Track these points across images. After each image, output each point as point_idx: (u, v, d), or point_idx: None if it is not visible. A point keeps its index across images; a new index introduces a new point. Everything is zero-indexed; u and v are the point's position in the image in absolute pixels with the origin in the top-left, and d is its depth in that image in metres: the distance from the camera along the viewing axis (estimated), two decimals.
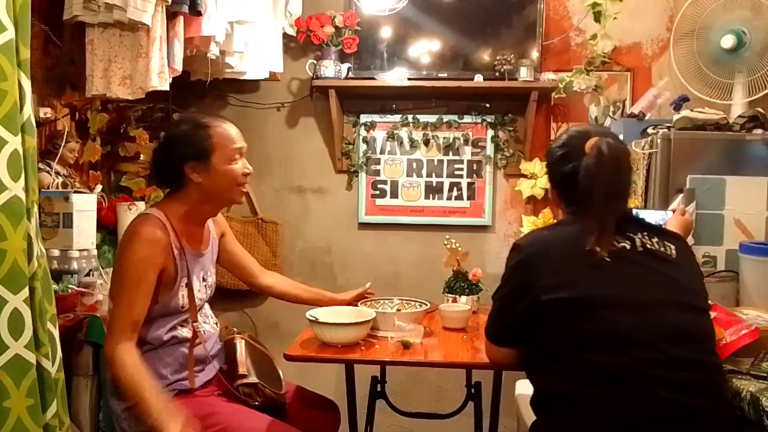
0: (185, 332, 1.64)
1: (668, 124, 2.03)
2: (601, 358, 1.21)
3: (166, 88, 2.08)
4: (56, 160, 2.37)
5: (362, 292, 2.03)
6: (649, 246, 1.31)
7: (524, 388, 2.02)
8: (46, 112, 2.33)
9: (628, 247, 1.30)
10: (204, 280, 1.71)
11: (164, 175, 1.66)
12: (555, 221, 1.63)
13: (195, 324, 1.66)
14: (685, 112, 2.01)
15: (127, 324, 1.49)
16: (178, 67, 2.12)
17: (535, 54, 2.81)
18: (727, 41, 2.18)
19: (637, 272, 1.28)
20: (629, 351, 1.21)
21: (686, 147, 1.92)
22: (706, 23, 2.26)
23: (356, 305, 1.93)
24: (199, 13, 2.09)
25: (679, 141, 1.92)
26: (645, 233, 1.33)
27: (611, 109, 2.62)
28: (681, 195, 1.88)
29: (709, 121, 1.95)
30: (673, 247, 1.33)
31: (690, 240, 1.77)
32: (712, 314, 1.51)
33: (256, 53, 2.61)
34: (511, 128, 2.98)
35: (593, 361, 1.22)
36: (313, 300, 1.98)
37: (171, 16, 2.07)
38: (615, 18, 2.67)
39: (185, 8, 2.03)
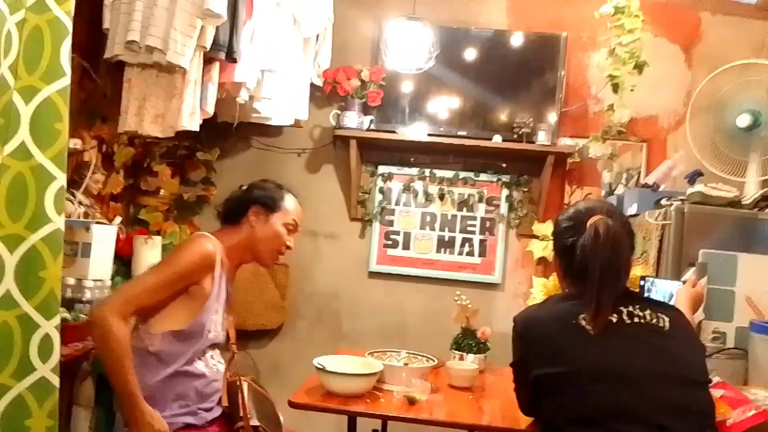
0: (201, 366, 1.66)
1: (682, 197, 2.06)
2: None
3: (196, 128, 2.14)
4: (81, 190, 2.42)
5: None
6: (638, 318, 1.32)
7: None
8: (75, 143, 2.40)
9: (614, 320, 1.31)
10: (227, 317, 1.77)
11: (232, 206, 1.81)
12: (551, 295, 1.65)
13: (233, 345, 1.76)
14: (699, 187, 2.04)
15: (135, 303, 1.54)
16: (210, 110, 2.19)
17: (553, 118, 2.88)
18: (743, 120, 2.22)
19: (624, 344, 1.28)
20: (620, 426, 1.20)
21: (699, 221, 1.94)
22: (723, 100, 2.31)
23: None
24: (235, 60, 2.17)
25: (692, 215, 1.94)
26: (637, 306, 1.34)
27: (624, 176, 2.66)
28: (693, 268, 1.88)
29: (723, 199, 1.97)
30: (666, 318, 1.33)
31: (700, 314, 1.77)
32: (720, 392, 1.50)
33: (283, 100, 2.68)
34: (525, 189, 3.02)
35: None
36: None
37: (207, 60, 2.14)
38: (632, 90, 2.73)
39: (222, 55, 2.11)
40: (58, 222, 1.23)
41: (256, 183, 1.85)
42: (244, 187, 1.86)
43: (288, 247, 1.82)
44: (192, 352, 1.63)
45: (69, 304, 2.16)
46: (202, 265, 1.62)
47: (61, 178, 1.22)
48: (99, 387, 2.16)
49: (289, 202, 1.82)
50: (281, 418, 1.79)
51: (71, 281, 2.20)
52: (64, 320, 2.02)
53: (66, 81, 1.22)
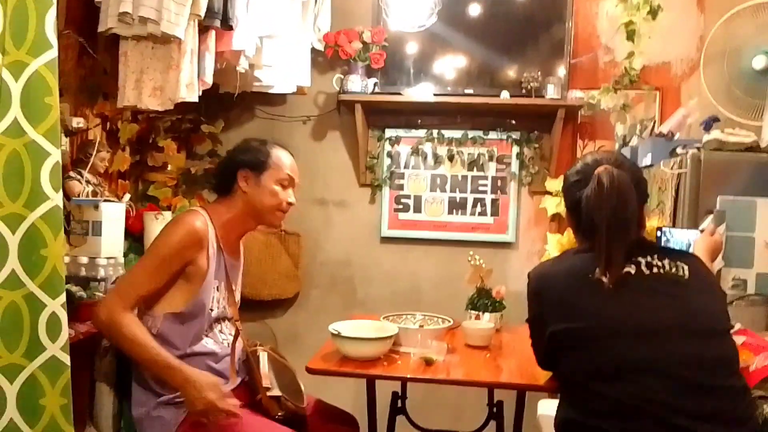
0: (210, 344, 1.65)
1: (697, 145, 2.00)
2: (612, 389, 1.20)
3: (195, 99, 2.11)
4: (87, 169, 2.41)
5: None
6: (657, 269, 1.29)
7: (547, 408, 1.99)
8: (78, 122, 2.38)
9: (632, 272, 1.28)
10: (234, 289, 1.74)
11: (219, 177, 1.75)
12: (565, 250, 1.63)
13: (237, 323, 1.71)
14: (715, 134, 1.98)
15: (133, 295, 1.53)
16: (208, 79, 2.15)
17: (562, 72, 2.80)
18: (759, 62, 2.15)
19: (643, 297, 1.26)
20: (642, 380, 1.18)
21: (716, 168, 1.89)
22: (738, 44, 2.23)
23: None
24: (231, 28, 2.12)
25: (709, 162, 1.89)
26: (655, 255, 1.31)
27: (638, 127, 2.59)
28: (711, 216, 1.84)
29: (741, 144, 1.92)
30: (686, 267, 1.30)
31: (720, 262, 1.73)
32: (741, 338, 1.47)
33: (284, 67, 2.64)
34: (536, 145, 2.96)
35: (604, 391, 1.20)
36: None
37: (203, 29, 2.10)
38: (649, 38, 2.65)
39: (217, 23, 2.07)
40: (56, 199, 1.21)
41: (239, 146, 1.76)
42: (232, 148, 1.78)
43: (289, 203, 1.73)
44: (196, 331, 1.62)
45: (84, 282, 2.17)
46: (190, 242, 1.57)
47: (55, 154, 1.20)
48: (120, 362, 2.18)
49: (277, 156, 1.71)
50: (302, 387, 1.79)
51: (84, 260, 2.21)
52: (79, 298, 2.04)
53: (53, 53, 1.19)
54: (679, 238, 1.82)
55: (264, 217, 1.73)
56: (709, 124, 2.13)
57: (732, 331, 1.37)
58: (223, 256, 1.67)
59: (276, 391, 1.66)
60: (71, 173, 2.39)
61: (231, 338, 1.72)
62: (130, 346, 1.51)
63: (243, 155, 1.71)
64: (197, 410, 1.49)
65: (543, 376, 1.56)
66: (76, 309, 1.99)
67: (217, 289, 1.67)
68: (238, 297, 1.80)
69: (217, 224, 1.67)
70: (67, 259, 2.19)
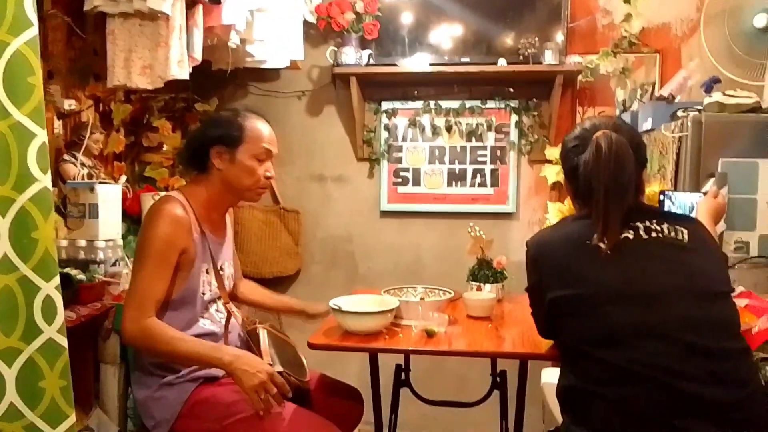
0: (207, 325, 1.64)
1: (698, 107, 1.97)
2: (612, 354, 1.19)
3: (186, 76, 2.08)
4: (81, 151, 2.39)
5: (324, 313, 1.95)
6: (655, 233, 1.27)
7: (550, 376, 2.00)
8: (70, 104, 2.36)
9: (630, 237, 1.26)
10: (222, 269, 1.71)
11: (191, 155, 1.66)
12: (563, 217, 1.61)
13: (227, 305, 1.67)
14: (716, 96, 1.95)
15: (149, 301, 1.49)
16: (198, 56, 2.11)
17: (560, 37, 2.75)
18: (761, 20, 2.11)
19: (643, 262, 1.25)
20: (644, 345, 1.17)
21: (718, 130, 1.86)
22: (737, 3, 2.19)
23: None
24: (219, 2, 2.08)
25: (710, 124, 1.86)
26: (653, 220, 1.29)
27: (638, 92, 2.55)
28: (713, 179, 1.82)
29: (742, 106, 1.88)
30: (685, 231, 1.29)
31: (722, 225, 1.72)
32: (744, 301, 1.47)
33: (276, 41, 2.59)
34: (535, 113, 2.92)
35: (605, 357, 1.20)
36: (283, 309, 2.03)
37: (190, 5, 2.06)
38: None
39: None
40: (44, 180, 1.19)
41: (209, 120, 1.66)
42: (201, 121, 1.72)
43: (268, 177, 1.64)
44: (190, 316, 1.60)
45: (83, 265, 2.17)
46: (179, 230, 1.53)
47: (41, 135, 1.18)
48: (123, 344, 2.19)
49: (251, 129, 1.61)
50: (304, 361, 1.80)
51: (82, 243, 2.20)
52: (79, 281, 2.04)
53: (34, 31, 1.15)
54: (681, 201, 1.80)
55: (243, 194, 1.66)
56: (710, 86, 2.10)
57: (734, 294, 1.36)
58: (207, 238, 1.63)
59: (278, 367, 1.65)
60: (65, 156, 2.37)
61: (226, 315, 1.70)
62: (167, 347, 1.47)
63: (214, 130, 1.62)
64: (253, 384, 1.43)
65: (545, 344, 1.55)
66: (76, 292, 1.99)
67: (207, 272, 1.64)
68: (229, 275, 1.76)
69: (195, 206, 1.61)
70: (65, 243, 2.18)
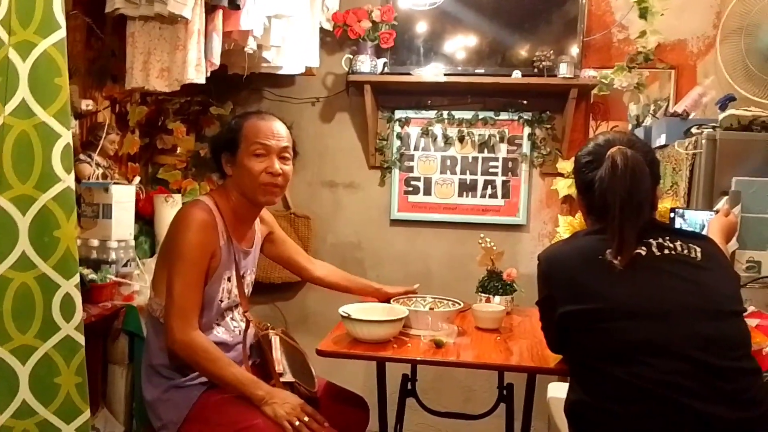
0: (220, 333, 1.64)
1: (713, 124, 1.96)
2: (624, 371, 1.18)
3: (203, 80, 2.10)
4: (97, 152, 2.41)
5: (410, 290, 2.04)
6: (668, 250, 1.27)
7: (556, 390, 1.99)
8: (87, 104, 2.38)
9: (643, 253, 1.26)
10: (243, 277, 1.72)
11: (214, 164, 1.68)
12: (575, 231, 1.61)
13: (247, 314, 1.69)
14: (731, 110, 1.95)
15: (192, 311, 1.51)
16: (216, 60, 2.13)
17: (575, 50, 2.75)
18: None
19: (655, 278, 1.24)
20: (654, 362, 1.17)
21: (732, 147, 1.85)
22: (755, 21, 2.18)
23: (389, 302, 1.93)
24: (238, 7, 2.10)
25: (725, 141, 1.86)
26: (666, 237, 1.29)
27: (652, 107, 2.55)
28: (726, 197, 1.82)
29: (758, 118, 1.88)
30: (698, 249, 1.29)
31: (734, 244, 1.71)
32: (755, 321, 1.46)
33: (292, 48, 2.61)
34: (548, 126, 2.92)
35: (615, 373, 1.19)
36: (358, 291, 2.04)
37: (210, 9, 2.08)
38: (662, 15, 2.60)
39: (224, 2, 2.04)
40: (68, 180, 1.21)
41: (218, 131, 1.70)
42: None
43: (271, 173, 1.59)
44: (205, 322, 1.59)
45: (95, 265, 2.19)
46: (208, 236, 1.54)
47: (66, 135, 1.20)
48: (132, 344, 2.20)
49: (247, 127, 1.59)
50: (313, 371, 1.80)
51: (95, 243, 2.22)
52: (91, 281, 2.06)
53: (62, 33, 1.17)
54: (693, 219, 1.80)
55: (252, 197, 1.62)
56: (724, 103, 2.09)
57: (745, 313, 1.35)
58: (233, 245, 1.63)
59: (289, 377, 1.65)
60: (81, 156, 2.39)
61: (242, 325, 1.70)
62: (211, 366, 1.50)
63: (219, 138, 1.65)
64: (284, 412, 1.46)
65: (553, 358, 1.55)
66: (87, 291, 2.01)
67: (228, 280, 1.64)
68: (249, 286, 1.77)
69: (224, 212, 1.62)
70: (78, 242, 2.20)
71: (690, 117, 2.22)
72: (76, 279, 1.25)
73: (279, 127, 1.64)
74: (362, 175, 3.09)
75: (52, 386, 1.25)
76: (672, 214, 1.87)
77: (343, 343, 1.69)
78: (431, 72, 2.81)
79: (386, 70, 2.85)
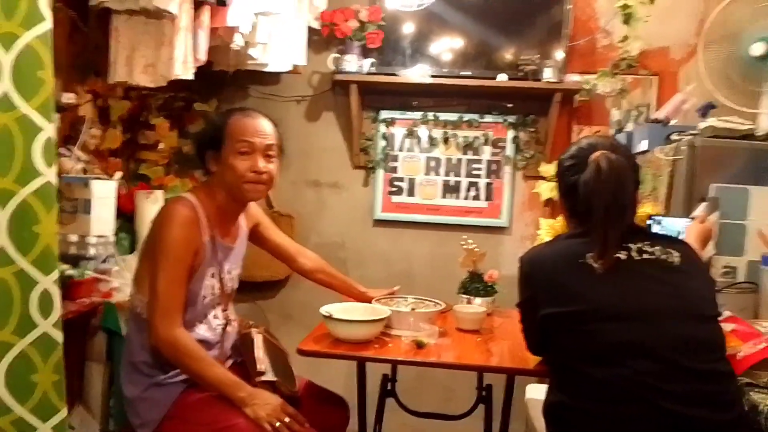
0: (202, 331, 1.63)
1: (693, 131, 1.99)
2: (603, 372, 1.20)
3: (190, 77, 2.09)
4: (77, 146, 2.38)
5: (392, 293, 2.05)
6: (647, 254, 1.29)
7: (534, 392, 2.01)
8: (69, 98, 2.34)
9: (623, 257, 1.28)
10: (228, 273, 1.70)
11: (198, 160, 1.67)
12: (557, 234, 1.63)
13: (226, 312, 1.68)
14: (711, 121, 1.98)
15: (176, 308, 1.50)
16: (202, 57, 2.12)
17: (560, 55, 2.78)
18: (758, 49, 2.14)
19: (635, 282, 1.26)
20: (633, 364, 1.18)
21: (711, 155, 1.89)
22: (737, 30, 2.22)
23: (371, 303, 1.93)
24: (225, 4, 2.09)
25: (704, 148, 1.89)
26: (646, 242, 1.31)
27: (634, 113, 2.58)
28: (704, 203, 1.85)
29: (736, 131, 1.91)
30: (676, 253, 1.31)
31: (711, 249, 1.74)
32: (730, 326, 1.48)
33: (279, 45, 2.60)
34: (532, 129, 2.95)
35: (594, 374, 1.21)
36: (343, 290, 2.06)
37: (197, 5, 2.06)
38: (646, 21, 2.63)
39: None
40: (49, 175, 1.19)
41: (208, 120, 1.70)
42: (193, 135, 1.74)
43: (256, 171, 1.58)
44: (189, 318, 1.58)
45: (74, 260, 2.16)
46: (191, 232, 1.53)
47: (48, 129, 1.18)
48: (110, 342, 2.18)
49: (231, 124, 1.58)
50: (293, 370, 1.79)
51: (74, 238, 2.19)
52: (69, 277, 2.03)
53: (47, 26, 1.16)
54: (669, 226, 1.82)
55: (236, 194, 1.61)
56: (705, 111, 2.13)
57: (721, 318, 1.38)
58: (216, 242, 1.62)
59: (270, 376, 1.64)
60: (61, 150, 2.36)
61: (224, 323, 1.70)
62: (195, 366, 1.49)
63: (203, 134, 1.65)
64: (264, 413, 1.45)
65: (533, 360, 1.56)
66: (66, 288, 1.98)
67: (212, 276, 1.63)
68: (233, 282, 1.76)
69: (207, 208, 1.60)
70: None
71: (671, 123, 2.26)
72: (56, 275, 1.24)
73: (265, 125, 1.63)
74: (346, 174, 3.09)
75: (28, 384, 1.23)
76: (649, 222, 1.89)
77: (324, 342, 1.69)
78: (417, 73, 2.82)
79: (372, 70, 2.86)
